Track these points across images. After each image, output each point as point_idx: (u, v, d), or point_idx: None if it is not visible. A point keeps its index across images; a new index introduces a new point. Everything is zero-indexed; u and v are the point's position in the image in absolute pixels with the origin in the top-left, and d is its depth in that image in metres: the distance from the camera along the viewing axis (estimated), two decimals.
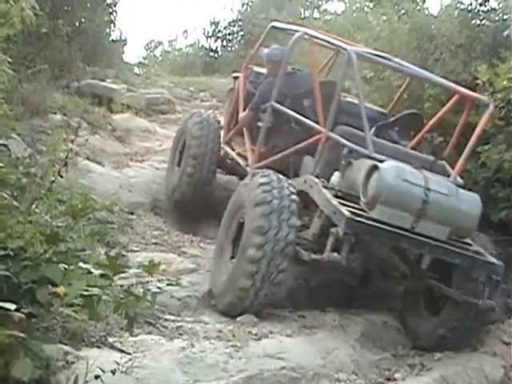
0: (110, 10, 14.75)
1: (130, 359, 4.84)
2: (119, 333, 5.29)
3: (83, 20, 13.74)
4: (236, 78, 9.26)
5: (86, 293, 3.07)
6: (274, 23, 9.03)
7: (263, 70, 8.97)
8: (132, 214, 8.67)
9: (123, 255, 3.29)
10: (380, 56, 7.78)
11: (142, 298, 3.30)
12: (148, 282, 3.40)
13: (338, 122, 7.11)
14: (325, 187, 6.49)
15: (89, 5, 13.76)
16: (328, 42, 8.02)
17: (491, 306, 6.29)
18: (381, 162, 6.29)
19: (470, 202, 6.47)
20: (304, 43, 8.45)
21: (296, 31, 8.09)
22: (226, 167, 9.30)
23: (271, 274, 6.34)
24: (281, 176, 6.70)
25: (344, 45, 7.49)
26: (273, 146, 7.81)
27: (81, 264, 3.25)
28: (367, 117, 6.84)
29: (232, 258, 6.81)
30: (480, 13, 9.49)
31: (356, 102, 7.70)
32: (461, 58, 9.16)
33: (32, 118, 9.57)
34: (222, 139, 9.10)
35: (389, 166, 6.21)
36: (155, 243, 8.07)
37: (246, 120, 8.37)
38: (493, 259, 6.44)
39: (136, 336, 5.31)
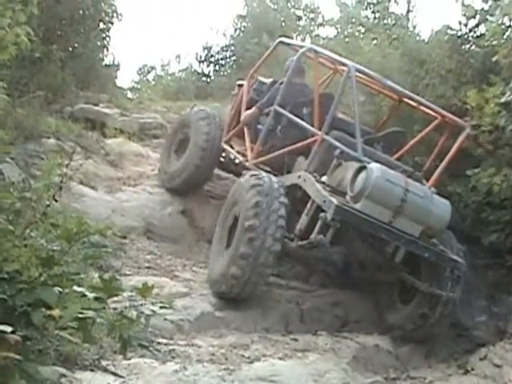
0: (104, 35, 14.73)
1: (123, 382, 4.86)
2: (112, 356, 5.31)
3: (76, 45, 13.72)
4: (240, 85, 9.90)
5: (80, 316, 3.10)
6: (282, 38, 9.85)
7: (266, 80, 9.77)
8: (125, 238, 8.66)
9: (116, 279, 3.31)
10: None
11: (135, 320, 3.33)
12: (141, 305, 3.41)
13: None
14: (317, 181, 7.26)
15: (82, 30, 13.74)
16: (330, 57, 8.71)
17: (452, 298, 7.29)
18: (367, 163, 7.09)
19: (442, 207, 7.25)
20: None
21: (302, 46, 9.03)
22: (221, 164, 9.97)
23: (259, 267, 7.18)
24: (273, 181, 7.45)
25: (345, 60, 8.20)
26: (271, 146, 8.48)
27: (75, 287, 3.28)
28: (351, 130, 7.70)
29: (227, 246, 7.60)
30: (469, 38, 9.60)
31: (346, 119, 8.72)
32: (451, 83, 9.27)
33: (26, 143, 9.58)
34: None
35: (375, 167, 7.02)
36: (148, 267, 8.08)
37: (249, 118, 9.00)
38: (456, 257, 7.26)
39: (129, 359, 5.32)
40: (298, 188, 7.54)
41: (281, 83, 9.08)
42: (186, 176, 9.68)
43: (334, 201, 6.76)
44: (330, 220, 6.71)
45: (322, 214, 6.80)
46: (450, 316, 7.50)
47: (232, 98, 10.29)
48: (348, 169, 7.30)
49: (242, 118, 9.09)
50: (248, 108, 9.10)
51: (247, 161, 8.67)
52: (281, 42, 9.61)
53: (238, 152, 9.21)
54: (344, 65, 8.20)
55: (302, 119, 8.19)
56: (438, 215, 7.20)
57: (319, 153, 7.72)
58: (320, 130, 7.74)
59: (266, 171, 8.29)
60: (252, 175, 7.62)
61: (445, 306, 7.35)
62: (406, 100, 8.65)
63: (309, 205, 7.20)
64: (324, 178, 7.47)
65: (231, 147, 9.44)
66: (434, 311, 7.37)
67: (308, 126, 7.98)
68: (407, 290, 7.66)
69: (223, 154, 9.80)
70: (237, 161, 9.40)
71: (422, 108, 8.40)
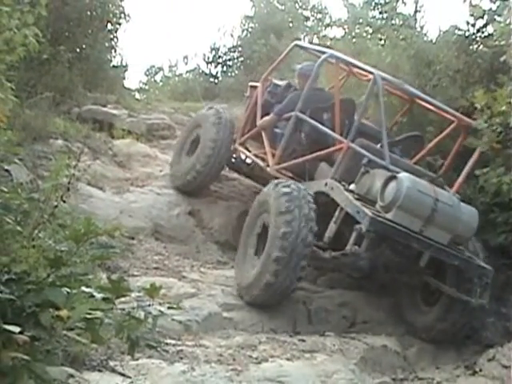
0: (111, 36, 14.74)
1: (131, 382, 4.87)
2: (120, 356, 5.32)
3: (84, 46, 13.73)
4: (253, 86, 9.90)
5: (88, 316, 3.10)
6: (298, 42, 10.01)
7: (280, 82, 9.71)
8: (133, 238, 8.67)
9: (124, 280, 3.32)
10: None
11: (143, 321, 3.33)
12: (149, 305, 3.41)
13: None
14: (346, 190, 7.32)
15: (90, 31, 13.74)
16: (353, 64, 8.76)
17: (482, 304, 7.25)
18: (396, 173, 7.16)
19: (470, 214, 7.36)
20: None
21: (320, 51, 9.02)
22: (232, 164, 9.98)
23: (292, 271, 7.19)
24: (301, 188, 7.44)
25: (370, 68, 8.25)
26: (292, 152, 8.47)
27: (83, 288, 3.28)
28: (370, 133, 7.95)
29: (256, 254, 7.64)
30: (477, 39, 9.58)
31: (364, 121, 8.63)
32: (459, 84, 9.24)
33: (34, 144, 9.58)
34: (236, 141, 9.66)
35: (405, 176, 7.12)
36: (156, 268, 8.08)
37: (267, 124, 8.97)
38: (484, 264, 7.32)
39: (137, 360, 5.33)
40: (325, 195, 7.56)
41: (295, 89, 9.16)
42: (199, 168, 9.58)
43: (369, 212, 6.84)
44: (365, 231, 6.78)
45: (356, 226, 6.87)
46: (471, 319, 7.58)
47: (245, 100, 10.28)
48: (375, 176, 7.36)
49: (259, 123, 9.07)
50: (263, 110, 9.10)
51: (268, 166, 8.66)
52: (296, 46, 9.65)
53: (256, 156, 9.21)
54: (369, 72, 8.26)
55: (323, 125, 8.20)
56: (467, 223, 7.32)
57: (345, 160, 7.75)
58: (341, 135, 7.80)
59: (288, 177, 8.34)
60: (279, 183, 7.60)
61: (472, 311, 7.39)
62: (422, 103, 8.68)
63: (337, 213, 7.26)
64: (352, 186, 7.50)
65: (247, 150, 9.45)
66: (460, 315, 7.45)
67: (334, 134, 7.98)
68: (430, 292, 7.72)
69: (234, 155, 9.78)
70: (260, 164, 9.16)
71: (439, 111, 8.47)
